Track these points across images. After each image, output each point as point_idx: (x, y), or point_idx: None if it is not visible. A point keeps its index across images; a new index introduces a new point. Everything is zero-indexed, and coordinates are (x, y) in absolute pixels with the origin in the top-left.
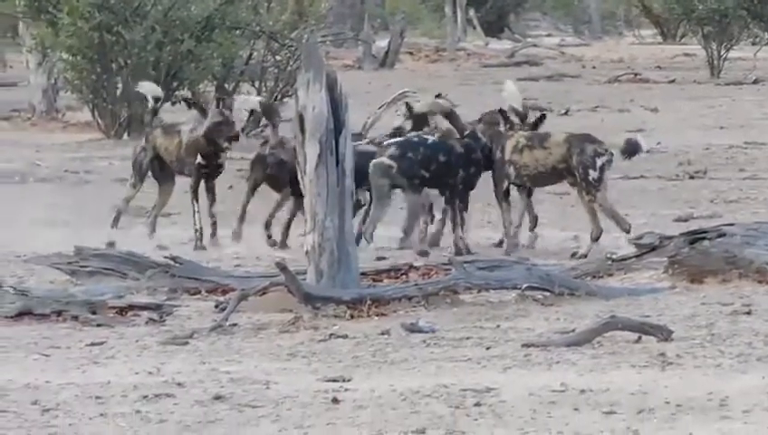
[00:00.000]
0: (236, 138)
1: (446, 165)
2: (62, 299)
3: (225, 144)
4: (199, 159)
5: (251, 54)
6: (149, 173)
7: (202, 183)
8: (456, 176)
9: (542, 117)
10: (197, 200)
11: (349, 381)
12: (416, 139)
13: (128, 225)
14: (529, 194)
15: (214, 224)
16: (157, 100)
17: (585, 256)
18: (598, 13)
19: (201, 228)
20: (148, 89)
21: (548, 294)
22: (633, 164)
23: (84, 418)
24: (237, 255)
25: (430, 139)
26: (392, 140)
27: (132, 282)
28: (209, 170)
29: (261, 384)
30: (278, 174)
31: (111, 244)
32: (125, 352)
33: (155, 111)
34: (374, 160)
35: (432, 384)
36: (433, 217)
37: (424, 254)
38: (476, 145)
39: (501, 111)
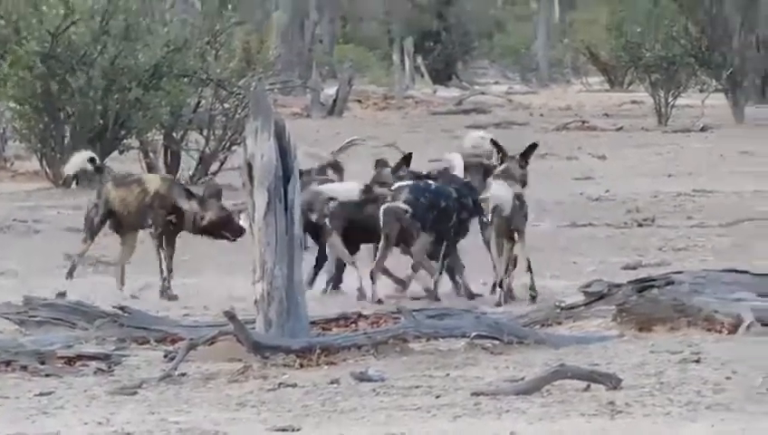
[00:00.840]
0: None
1: (445, 211)
2: (11, 349)
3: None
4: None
5: (199, 102)
6: (106, 227)
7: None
8: (452, 221)
9: (534, 146)
10: (164, 249)
11: (298, 430)
12: (423, 183)
13: (78, 274)
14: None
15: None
16: (92, 160)
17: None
18: (545, 60)
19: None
20: (75, 162)
21: (497, 342)
22: (582, 211)
23: None
24: (185, 305)
25: (433, 184)
26: (402, 184)
27: (81, 332)
28: (176, 224)
29: (210, 434)
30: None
31: (62, 294)
32: (74, 403)
33: (99, 169)
34: (388, 205)
35: (382, 433)
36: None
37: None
38: (468, 190)
39: (492, 141)
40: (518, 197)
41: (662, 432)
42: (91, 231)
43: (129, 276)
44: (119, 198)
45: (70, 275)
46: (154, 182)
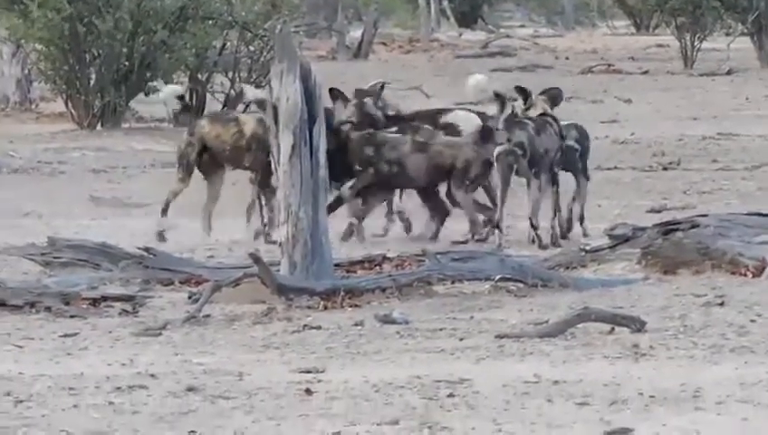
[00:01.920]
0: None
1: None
2: (36, 290)
3: None
4: None
5: (224, 45)
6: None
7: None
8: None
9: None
10: (264, 193)
11: (322, 372)
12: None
13: (104, 215)
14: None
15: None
16: (181, 97)
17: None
18: (571, 3)
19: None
20: (168, 93)
21: (521, 285)
22: (608, 155)
23: (57, 409)
24: (210, 245)
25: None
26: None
27: (105, 273)
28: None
29: (234, 376)
30: None
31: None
32: (98, 344)
33: (186, 107)
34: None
35: (405, 375)
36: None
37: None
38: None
39: (517, 88)
40: (520, 145)
41: (686, 375)
42: (188, 169)
43: (153, 218)
44: (214, 135)
45: (164, 213)
46: (251, 123)
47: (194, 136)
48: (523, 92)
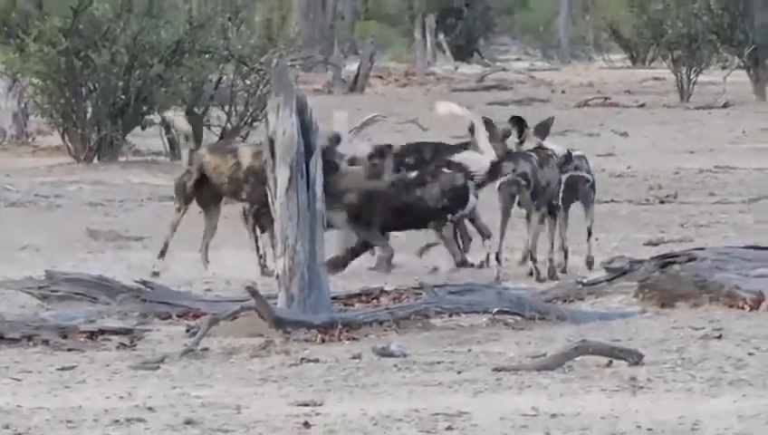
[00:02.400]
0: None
1: None
2: (33, 323)
3: None
4: None
5: (220, 78)
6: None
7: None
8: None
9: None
10: (258, 226)
11: (320, 405)
12: None
13: (101, 248)
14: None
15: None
16: (186, 137)
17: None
18: (567, 37)
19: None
20: (180, 125)
21: (519, 318)
22: (605, 188)
23: None
24: (207, 278)
25: None
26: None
27: (103, 306)
28: None
29: (232, 409)
30: None
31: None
32: (96, 377)
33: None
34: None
35: (403, 409)
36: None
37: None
38: None
39: (515, 119)
40: (524, 175)
41: (684, 408)
42: (185, 198)
43: (150, 251)
44: (212, 166)
45: (162, 255)
46: (248, 155)
47: (192, 166)
48: (519, 123)
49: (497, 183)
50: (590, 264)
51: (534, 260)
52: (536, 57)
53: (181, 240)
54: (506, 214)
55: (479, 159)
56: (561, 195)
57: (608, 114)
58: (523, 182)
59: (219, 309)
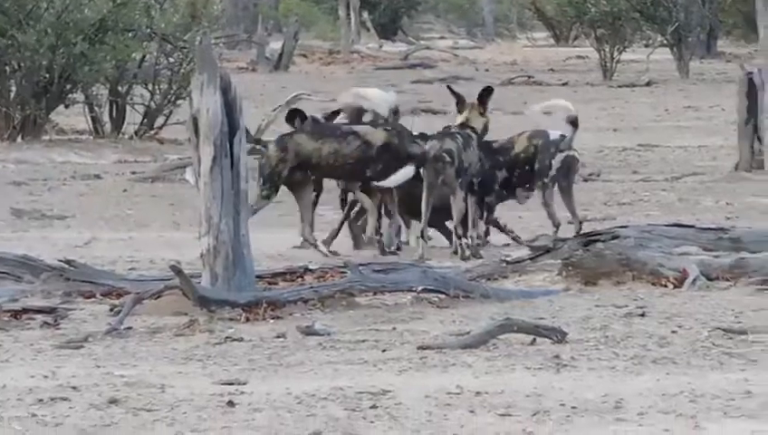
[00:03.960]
0: None
1: None
2: None
3: None
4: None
5: (144, 57)
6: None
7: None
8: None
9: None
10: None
11: (244, 384)
12: None
13: (25, 227)
14: None
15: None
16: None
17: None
18: (491, 15)
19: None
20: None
21: (443, 296)
22: None
23: None
24: (132, 257)
25: None
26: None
27: (27, 285)
28: None
29: (156, 388)
30: None
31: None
32: (20, 356)
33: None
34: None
35: (328, 387)
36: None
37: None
38: None
39: (449, 88)
40: (448, 152)
41: (607, 386)
42: (276, 186)
43: (74, 229)
44: (324, 150)
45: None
46: (379, 134)
47: (286, 153)
48: (457, 96)
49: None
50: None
51: (459, 237)
52: (460, 35)
53: (105, 220)
54: (430, 191)
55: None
56: (554, 174)
57: (532, 93)
58: (448, 159)
59: (143, 288)
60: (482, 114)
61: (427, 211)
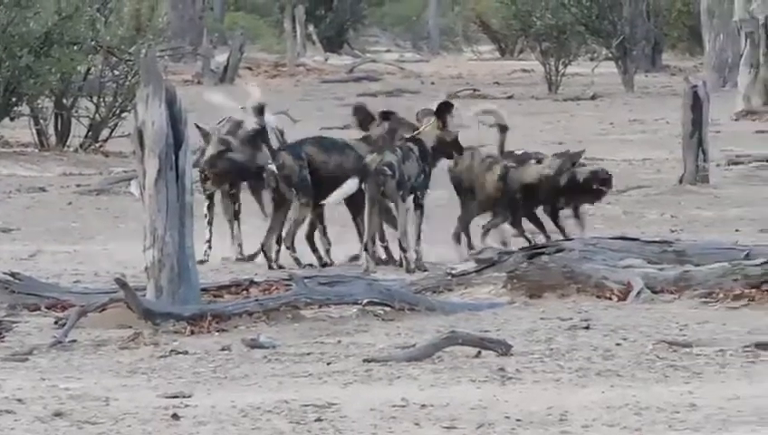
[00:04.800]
0: None
1: None
2: None
3: None
4: None
5: (89, 69)
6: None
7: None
8: None
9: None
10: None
11: (189, 397)
12: None
13: None
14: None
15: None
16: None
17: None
18: (436, 29)
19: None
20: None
21: (389, 309)
22: None
23: None
24: (76, 270)
25: None
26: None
27: None
28: None
29: (101, 401)
30: None
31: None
32: None
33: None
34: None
35: (273, 400)
36: None
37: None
38: None
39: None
40: (389, 165)
41: (552, 398)
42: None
43: (19, 242)
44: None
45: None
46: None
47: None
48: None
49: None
50: None
51: (404, 250)
52: (406, 49)
53: (50, 233)
54: (373, 203)
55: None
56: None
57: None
58: (389, 172)
59: (88, 301)
60: (440, 129)
61: (371, 225)
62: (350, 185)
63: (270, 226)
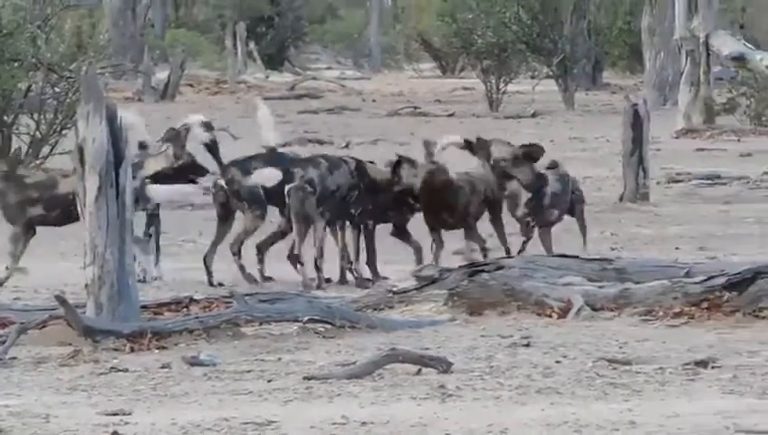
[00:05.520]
0: None
1: None
2: None
3: None
4: None
5: (30, 86)
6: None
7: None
8: None
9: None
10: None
11: (129, 414)
12: None
13: None
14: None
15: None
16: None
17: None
18: (378, 46)
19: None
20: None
21: (329, 326)
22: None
23: None
24: (16, 287)
25: None
26: None
27: None
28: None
29: (41, 418)
30: None
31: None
32: None
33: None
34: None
35: (213, 418)
36: None
37: None
38: None
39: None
40: (310, 182)
41: (492, 416)
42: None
43: None
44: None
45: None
46: None
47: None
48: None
49: (287, 188)
50: None
51: (319, 269)
52: (347, 66)
53: None
54: (298, 219)
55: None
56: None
57: (418, 123)
58: (309, 189)
59: (28, 318)
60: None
61: (301, 240)
62: (270, 174)
63: (213, 240)
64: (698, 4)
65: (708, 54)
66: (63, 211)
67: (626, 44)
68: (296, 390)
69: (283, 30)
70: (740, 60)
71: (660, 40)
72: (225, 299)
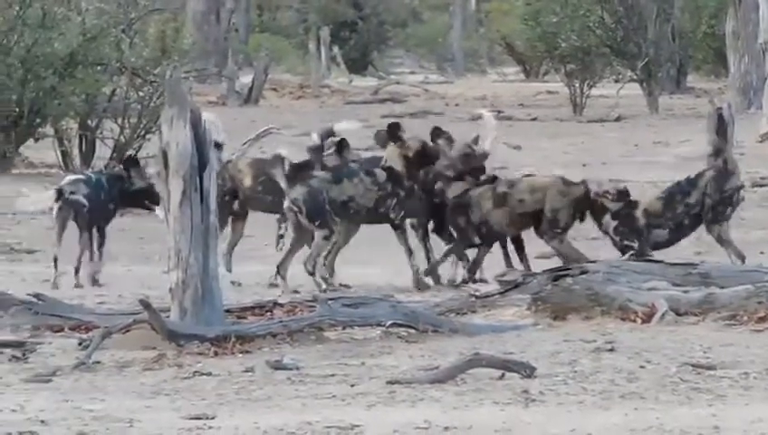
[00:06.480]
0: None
1: None
2: None
3: None
4: None
5: (114, 91)
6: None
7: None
8: None
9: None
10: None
11: (213, 418)
12: None
13: None
14: None
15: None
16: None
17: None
18: (461, 50)
19: None
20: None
21: (412, 330)
22: None
23: None
24: (101, 292)
25: None
26: None
27: None
28: None
29: (124, 422)
30: None
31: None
32: None
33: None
34: None
35: (296, 422)
36: None
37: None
38: None
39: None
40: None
41: (576, 421)
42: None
43: (42, 263)
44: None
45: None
46: None
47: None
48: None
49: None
50: None
51: (311, 274)
52: (430, 70)
53: (74, 254)
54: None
55: None
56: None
57: (501, 127)
58: (294, 209)
59: (112, 322)
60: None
61: (290, 251)
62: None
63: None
64: None
65: None
66: None
67: (710, 48)
68: (379, 394)
69: (367, 34)
70: None
71: (744, 43)
72: (308, 303)
